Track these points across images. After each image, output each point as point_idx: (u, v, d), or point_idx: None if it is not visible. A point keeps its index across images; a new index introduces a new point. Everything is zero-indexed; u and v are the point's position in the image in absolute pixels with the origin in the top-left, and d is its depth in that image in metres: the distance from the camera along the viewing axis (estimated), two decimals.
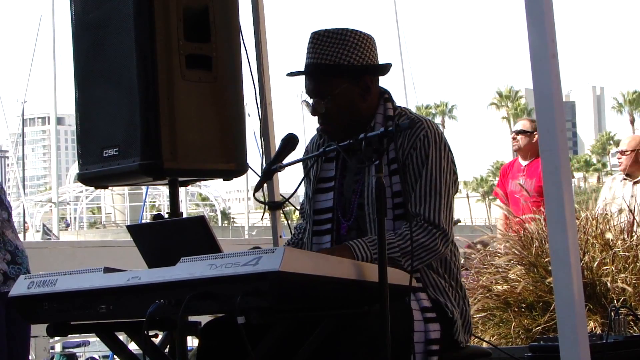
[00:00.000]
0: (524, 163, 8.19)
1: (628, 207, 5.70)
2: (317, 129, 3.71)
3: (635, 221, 5.58)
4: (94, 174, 4.60)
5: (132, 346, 3.89)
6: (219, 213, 59.62)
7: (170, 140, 4.35)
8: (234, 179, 4.77)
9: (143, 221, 17.87)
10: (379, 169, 3.12)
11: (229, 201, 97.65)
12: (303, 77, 3.62)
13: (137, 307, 3.09)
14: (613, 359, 4.01)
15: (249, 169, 4.74)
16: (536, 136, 8.20)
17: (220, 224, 58.63)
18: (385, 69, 3.64)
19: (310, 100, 3.60)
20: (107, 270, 3.25)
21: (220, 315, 3.49)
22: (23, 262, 5.12)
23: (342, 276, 3.02)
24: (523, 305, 5.54)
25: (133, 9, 4.38)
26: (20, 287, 3.42)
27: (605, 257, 5.42)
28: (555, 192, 3.24)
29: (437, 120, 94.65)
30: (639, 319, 4.96)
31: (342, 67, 3.53)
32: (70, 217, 54.18)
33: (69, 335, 3.86)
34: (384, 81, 3.69)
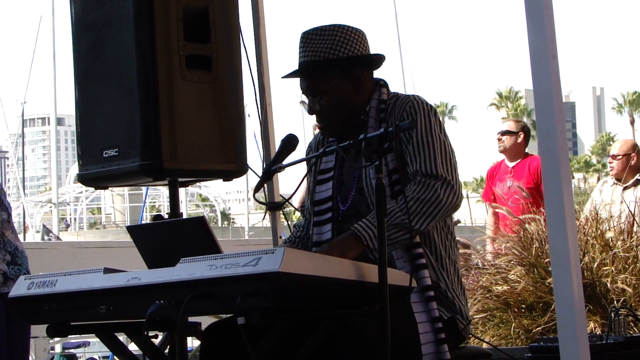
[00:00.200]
0: (510, 164, 8.14)
1: (628, 208, 5.70)
2: (313, 126, 3.72)
3: (635, 222, 5.58)
4: (94, 175, 4.60)
5: (132, 347, 3.89)
6: (219, 214, 59.62)
7: (170, 141, 4.35)
8: (234, 180, 4.77)
9: (143, 222, 17.85)
10: (378, 169, 3.12)
11: (229, 202, 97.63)
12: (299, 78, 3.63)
13: (137, 307, 3.09)
14: None
15: (249, 169, 4.75)
16: (522, 136, 8.17)
17: (220, 225, 58.62)
18: (377, 60, 3.64)
19: (307, 100, 3.61)
20: (107, 270, 3.25)
21: (222, 316, 3.49)
22: (23, 263, 5.11)
23: (342, 277, 3.02)
24: (523, 305, 5.54)
25: (133, 9, 4.38)
26: (20, 288, 3.42)
27: (605, 257, 5.42)
28: (555, 193, 3.24)
29: None
30: (639, 319, 4.96)
31: (332, 61, 3.53)
32: (70, 218, 54.17)
33: (69, 336, 3.87)
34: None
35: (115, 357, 3.76)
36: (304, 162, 3.73)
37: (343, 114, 3.58)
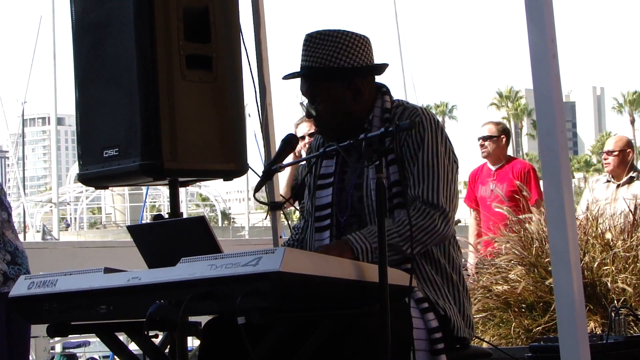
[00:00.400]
0: (493, 168, 8.09)
1: (628, 207, 5.70)
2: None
3: (635, 221, 5.58)
4: (94, 174, 4.60)
5: (132, 346, 3.89)
6: (219, 213, 59.60)
7: (170, 141, 4.35)
8: (234, 179, 4.78)
9: (143, 221, 17.84)
10: (379, 169, 3.12)
11: (229, 201, 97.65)
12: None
13: (137, 307, 3.09)
14: None
15: (249, 169, 4.75)
16: (504, 139, 8.13)
17: (220, 225, 58.60)
18: (379, 69, 3.63)
19: (306, 102, 3.61)
20: (108, 270, 3.25)
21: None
22: (23, 263, 5.11)
23: (342, 276, 3.02)
24: (523, 305, 5.55)
25: (133, 9, 4.38)
26: (20, 288, 3.42)
27: (605, 257, 5.42)
28: (555, 193, 3.24)
29: None
30: (639, 319, 4.96)
31: (333, 70, 3.51)
32: (71, 218, 54.18)
33: (69, 336, 3.87)
34: (384, 82, 3.69)
35: (115, 357, 3.76)
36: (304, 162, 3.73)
37: (338, 121, 3.57)
